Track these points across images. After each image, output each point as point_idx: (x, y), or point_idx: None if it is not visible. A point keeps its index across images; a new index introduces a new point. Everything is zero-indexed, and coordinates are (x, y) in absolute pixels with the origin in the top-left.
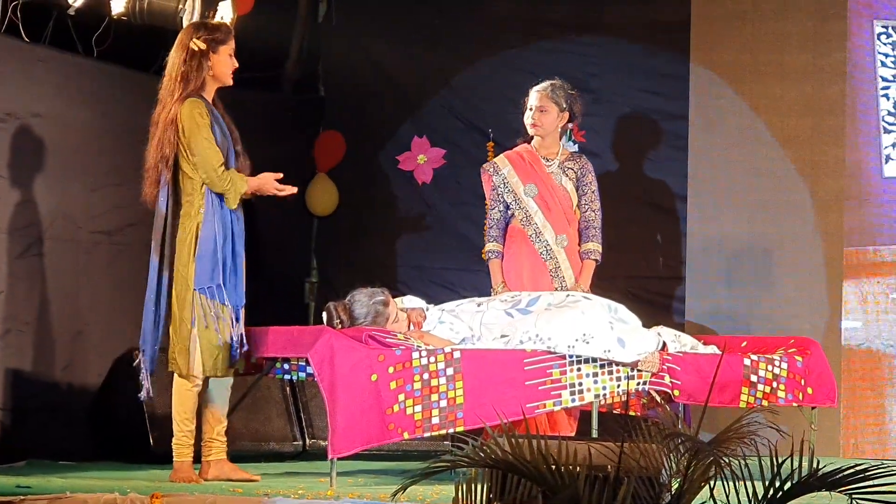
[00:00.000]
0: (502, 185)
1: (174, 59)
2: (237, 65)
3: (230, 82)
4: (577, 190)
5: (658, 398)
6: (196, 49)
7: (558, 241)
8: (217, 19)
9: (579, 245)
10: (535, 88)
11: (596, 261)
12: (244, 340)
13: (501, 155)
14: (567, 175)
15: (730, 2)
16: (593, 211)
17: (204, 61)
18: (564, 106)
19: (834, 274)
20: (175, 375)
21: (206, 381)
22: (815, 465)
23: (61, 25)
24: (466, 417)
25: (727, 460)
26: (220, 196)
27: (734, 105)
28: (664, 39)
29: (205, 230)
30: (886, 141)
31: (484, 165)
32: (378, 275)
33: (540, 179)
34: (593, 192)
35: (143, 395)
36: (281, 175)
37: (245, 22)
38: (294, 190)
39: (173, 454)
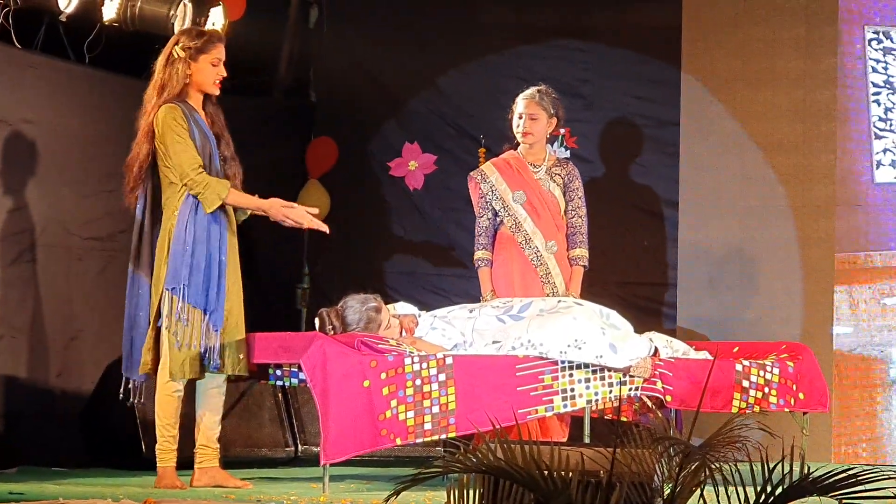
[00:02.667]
0: (490, 193)
1: (157, 64)
2: (223, 74)
3: (213, 91)
4: (564, 196)
5: (650, 404)
6: (175, 56)
7: (548, 248)
8: (209, 26)
9: (567, 251)
10: (522, 96)
11: (584, 267)
12: (219, 348)
13: (488, 162)
14: (554, 181)
15: (721, 7)
16: (580, 217)
17: (182, 68)
18: (552, 112)
19: (825, 279)
20: (158, 380)
21: (193, 386)
22: (805, 470)
23: (53, 31)
24: (458, 423)
25: (717, 465)
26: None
27: (725, 111)
28: (655, 45)
29: (177, 230)
30: (877, 146)
31: (471, 173)
32: (370, 281)
33: (528, 186)
34: (580, 197)
35: (132, 399)
36: (316, 210)
37: (236, 28)
38: (325, 228)
39: (157, 460)
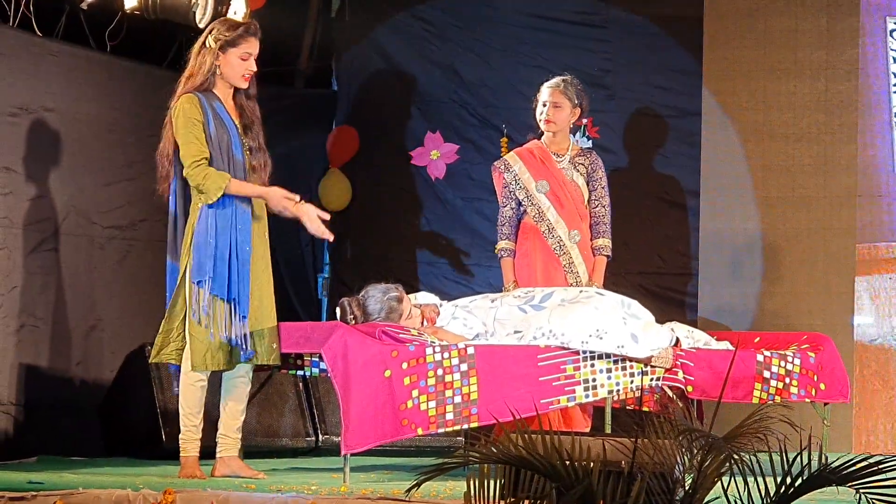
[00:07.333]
0: (514, 182)
1: (192, 53)
2: (252, 69)
3: (240, 85)
4: (587, 185)
5: (671, 394)
6: (207, 46)
7: (571, 237)
8: (230, 14)
9: (591, 241)
10: (547, 84)
11: (607, 256)
12: (246, 338)
13: (512, 152)
14: (578, 170)
15: None
16: (603, 206)
17: (211, 59)
18: (576, 102)
19: (846, 270)
20: (182, 369)
21: (218, 376)
22: (824, 460)
23: (74, 20)
24: (480, 413)
25: (741, 456)
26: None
27: (747, 101)
28: (677, 35)
29: (199, 222)
30: None
31: (495, 163)
32: (391, 270)
33: (551, 175)
34: (603, 187)
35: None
36: (326, 216)
37: (258, 17)
38: (329, 236)
39: (179, 450)
